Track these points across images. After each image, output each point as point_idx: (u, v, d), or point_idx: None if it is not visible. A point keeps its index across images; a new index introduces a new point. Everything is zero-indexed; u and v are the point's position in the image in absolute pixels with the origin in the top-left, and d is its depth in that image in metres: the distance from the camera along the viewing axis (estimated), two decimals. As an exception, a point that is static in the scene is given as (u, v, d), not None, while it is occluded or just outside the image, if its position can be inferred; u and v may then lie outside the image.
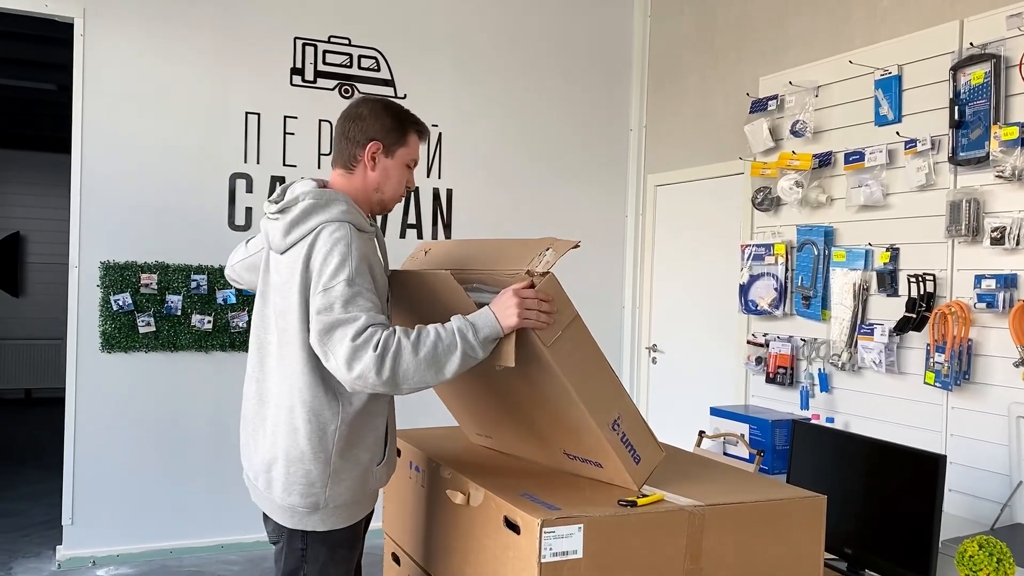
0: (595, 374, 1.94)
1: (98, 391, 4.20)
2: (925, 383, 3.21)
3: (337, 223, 1.92)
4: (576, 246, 1.87)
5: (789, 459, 2.90)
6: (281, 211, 2.00)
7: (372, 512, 2.18)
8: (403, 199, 2.20)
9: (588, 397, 1.89)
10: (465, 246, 2.25)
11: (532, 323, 1.83)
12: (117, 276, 4.21)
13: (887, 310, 3.44)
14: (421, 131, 2.15)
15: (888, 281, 3.43)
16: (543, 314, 1.84)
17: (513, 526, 1.80)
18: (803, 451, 2.88)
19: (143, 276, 4.26)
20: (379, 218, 4.75)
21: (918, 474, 2.40)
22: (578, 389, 1.88)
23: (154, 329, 4.28)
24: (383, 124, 2.07)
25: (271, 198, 2.08)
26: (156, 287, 4.28)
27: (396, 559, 2.53)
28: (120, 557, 4.22)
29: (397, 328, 1.86)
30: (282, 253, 1.99)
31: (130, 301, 4.23)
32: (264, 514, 2.09)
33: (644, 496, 1.89)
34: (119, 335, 4.22)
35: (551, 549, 1.72)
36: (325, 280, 1.86)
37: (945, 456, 2.36)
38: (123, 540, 4.23)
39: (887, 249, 3.45)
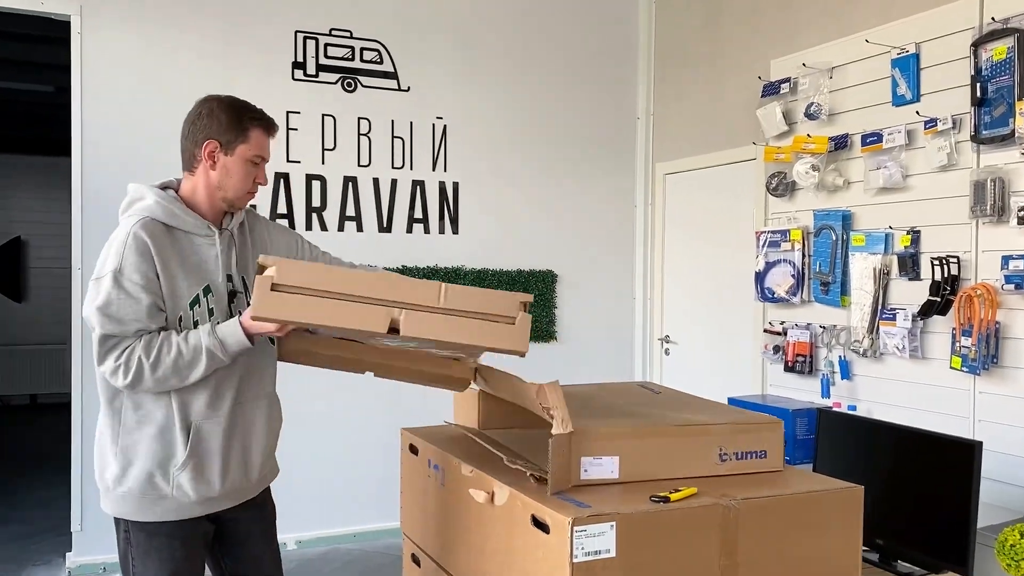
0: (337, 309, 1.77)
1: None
2: (951, 368, 3.14)
3: (134, 217, 2.02)
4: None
5: (815, 449, 2.83)
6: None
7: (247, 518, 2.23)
8: (252, 196, 2.16)
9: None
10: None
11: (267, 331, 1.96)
12: (121, 278, 4.14)
13: (909, 294, 3.36)
14: (266, 126, 2.13)
15: (910, 265, 3.35)
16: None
17: (542, 525, 1.73)
18: (829, 441, 2.80)
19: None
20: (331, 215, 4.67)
21: (952, 462, 2.33)
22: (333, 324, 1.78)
23: (160, 331, 4.20)
24: (219, 122, 2.08)
25: None
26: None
27: (416, 560, 2.46)
28: (131, 563, 4.15)
29: (140, 340, 1.95)
30: None
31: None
32: None
33: (677, 491, 1.82)
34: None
35: (583, 548, 1.65)
36: (98, 268, 1.98)
37: (981, 443, 2.29)
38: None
39: (908, 232, 3.37)
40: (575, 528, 1.64)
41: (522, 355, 1.89)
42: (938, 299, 3.17)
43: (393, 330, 1.76)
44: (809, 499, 1.89)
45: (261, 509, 2.33)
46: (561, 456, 1.82)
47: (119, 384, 1.96)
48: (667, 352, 5.10)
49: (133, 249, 1.97)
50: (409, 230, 4.74)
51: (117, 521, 2.11)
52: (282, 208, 4.47)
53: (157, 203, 2.05)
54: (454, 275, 4.73)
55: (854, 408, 3.53)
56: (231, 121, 2.08)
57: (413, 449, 2.41)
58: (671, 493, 1.80)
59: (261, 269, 1.77)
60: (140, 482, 2.05)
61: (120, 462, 2.05)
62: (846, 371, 3.65)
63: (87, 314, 1.97)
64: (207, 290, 2.08)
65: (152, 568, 2.08)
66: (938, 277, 3.19)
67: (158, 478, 2.05)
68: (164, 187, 2.15)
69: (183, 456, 2.06)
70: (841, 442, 2.76)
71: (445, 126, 4.81)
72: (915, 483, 2.45)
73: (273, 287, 1.75)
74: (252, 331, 1.96)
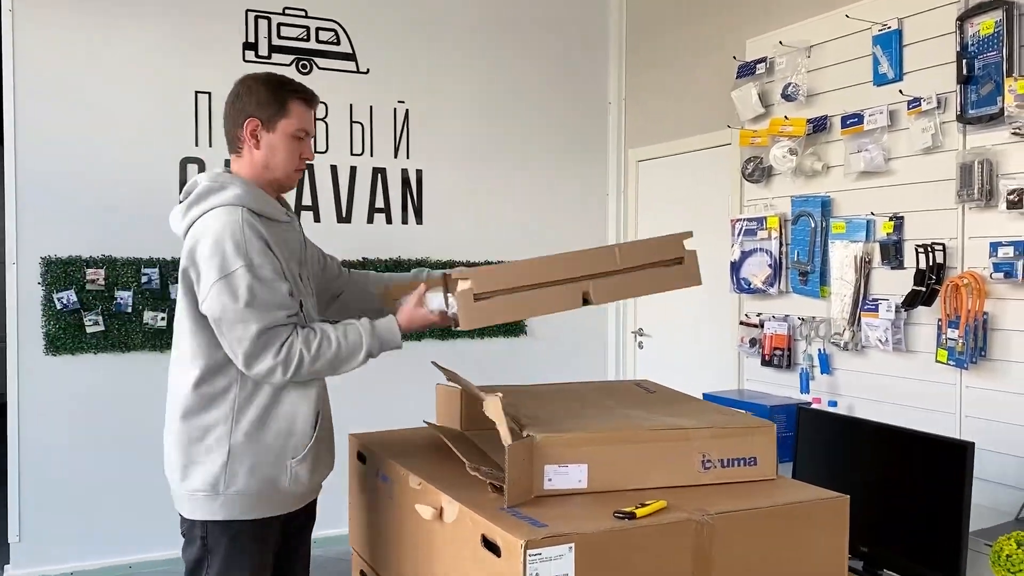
0: None
1: (43, 396, 3.88)
2: (937, 361, 2.98)
3: (230, 207, 1.89)
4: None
5: (795, 449, 2.66)
6: (184, 198, 1.99)
7: (306, 514, 2.15)
8: (301, 174, 2.09)
9: None
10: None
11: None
12: (60, 272, 3.89)
13: (892, 284, 3.20)
14: (306, 98, 2.04)
15: (892, 253, 3.18)
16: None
17: (493, 547, 1.53)
18: (810, 440, 2.63)
19: (88, 271, 3.93)
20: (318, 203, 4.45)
21: (942, 464, 2.17)
22: None
23: (103, 328, 3.96)
24: (258, 99, 1.99)
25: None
26: (103, 283, 3.96)
27: (364, 577, 2.26)
28: (74, 575, 3.91)
29: (298, 334, 1.91)
30: (183, 238, 1.97)
31: (75, 299, 3.90)
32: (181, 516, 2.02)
33: (644, 505, 1.62)
34: (64, 336, 3.89)
35: (538, 574, 1.45)
36: (221, 265, 1.85)
37: (973, 444, 2.12)
38: (77, 556, 3.92)
39: (891, 218, 3.20)
40: (528, 551, 1.44)
41: (698, 284, 1.99)
42: (923, 289, 3.00)
43: (586, 301, 1.85)
44: (790, 511, 1.72)
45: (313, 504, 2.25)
46: (517, 468, 1.63)
47: (276, 379, 1.90)
48: (640, 346, 4.92)
49: (254, 238, 1.87)
50: (370, 220, 4.52)
51: (190, 526, 1.97)
52: (234, 197, 4.22)
53: (247, 191, 1.94)
54: (418, 267, 4.51)
55: (835, 404, 3.37)
56: (270, 96, 1.99)
57: (361, 457, 2.21)
58: (637, 508, 1.61)
59: (453, 284, 1.88)
60: (261, 479, 1.95)
61: (234, 461, 1.93)
62: (826, 365, 3.49)
63: (228, 319, 1.86)
64: (301, 277, 2.04)
65: (235, 571, 1.97)
66: (923, 265, 3.03)
67: (278, 471, 1.97)
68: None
69: (308, 445, 2.00)
70: (822, 442, 2.59)
71: (407, 110, 4.59)
72: (902, 486, 2.28)
73: (476, 298, 1.82)
74: (409, 331, 2.01)
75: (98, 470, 3.97)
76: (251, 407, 1.94)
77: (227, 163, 2.10)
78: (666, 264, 1.92)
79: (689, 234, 1.98)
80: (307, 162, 2.07)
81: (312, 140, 2.08)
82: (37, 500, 3.87)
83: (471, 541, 1.62)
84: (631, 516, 1.58)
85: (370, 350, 1.96)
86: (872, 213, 3.28)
